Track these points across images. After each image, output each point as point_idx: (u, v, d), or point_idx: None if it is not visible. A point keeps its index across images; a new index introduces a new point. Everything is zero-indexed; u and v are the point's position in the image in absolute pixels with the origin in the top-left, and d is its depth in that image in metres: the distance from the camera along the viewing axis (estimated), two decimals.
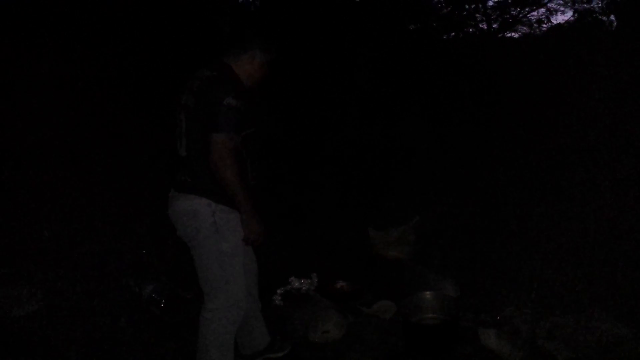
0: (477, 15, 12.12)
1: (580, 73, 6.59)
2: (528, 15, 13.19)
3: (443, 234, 4.73)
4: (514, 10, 12.76)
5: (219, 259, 2.87)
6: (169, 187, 2.97)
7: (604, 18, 10.32)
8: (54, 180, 5.86)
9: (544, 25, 12.74)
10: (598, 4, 11.14)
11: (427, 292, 3.69)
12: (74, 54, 6.93)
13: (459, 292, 3.89)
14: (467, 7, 11.60)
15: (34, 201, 5.43)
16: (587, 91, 6.42)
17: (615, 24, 8.57)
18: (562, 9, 15.35)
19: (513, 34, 13.33)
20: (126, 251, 4.67)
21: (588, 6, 11.42)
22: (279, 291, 4.07)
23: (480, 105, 7.22)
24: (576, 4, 11.91)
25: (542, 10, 13.01)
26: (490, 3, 12.68)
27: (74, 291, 4.14)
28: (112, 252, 4.63)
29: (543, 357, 3.22)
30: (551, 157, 5.67)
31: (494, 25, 12.65)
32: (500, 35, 12.84)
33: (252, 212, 2.82)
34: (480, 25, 12.38)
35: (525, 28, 13.35)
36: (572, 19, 11.71)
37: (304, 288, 4.11)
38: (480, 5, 12.05)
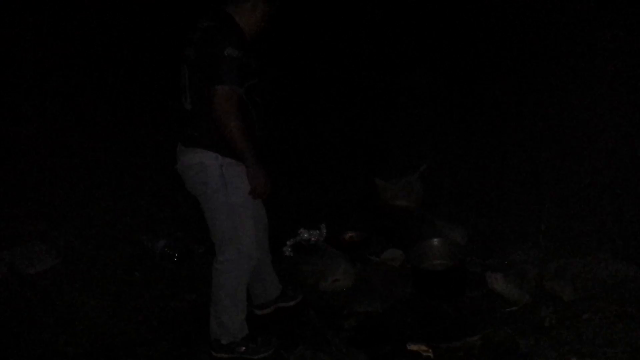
0: None
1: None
2: None
3: (450, 182, 4.74)
4: None
5: (229, 212, 2.89)
6: (177, 141, 2.98)
7: None
8: (67, 138, 5.93)
9: None
10: None
11: (435, 239, 3.73)
12: None
13: (466, 238, 3.92)
14: None
15: (48, 160, 5.51)
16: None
17: None
18: None
19: None
20: (138, 208, 4.74)
21: None
22: (288, 242, 4.12)
23: (490, 52, 7.12)
24: None
25: None
26: None
27: (88, 248, 4.22)
28: (124, 209, 4.71)
29: (549, 298, 3.27)
30: (560, 104, 5.65)
31: None
32: None
33: (257, 164, 2.81)
34: None
35: None
36: None
37: (313, 239, 4.16)
38: None
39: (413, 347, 3.01)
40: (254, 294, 3.40)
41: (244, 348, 3.07)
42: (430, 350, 2.98)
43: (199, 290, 3.58)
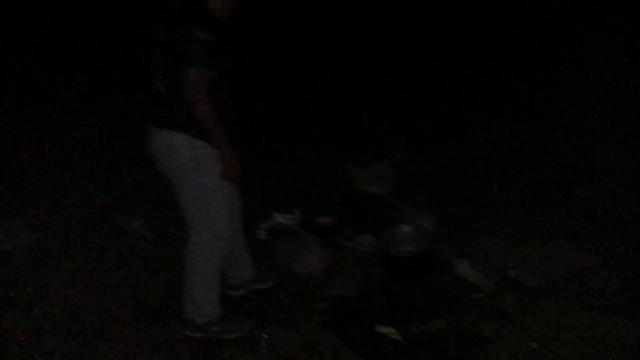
0: None
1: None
2: None
3: (422, 170, 4.82)
4: None
5: (201, 194, 2.92)
6: (149, 122, 2.98)
7: None
8: (41, 117, 5.89)
9: None
10: None
11: (405, 226, 3.83)
12: None
13: (436, 226, 4.00)
14: None
15: (22, 138, 5.47)
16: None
17: None
18: None
19: None
20: (113, 188, 4.73)
21: None
22: (263, 226, 4.17)
23: (461, 41, 7.23)
24: None
25: None
26: None
27: (63, 226, 4.22)
28: (99, 189, 4.70)
29: (513, 285, 3.40)
30: (527, 94, 5.77)
31: None
32: None
33: (228, 147, 2.84)
34: None
35: None
36: None
37: (287, 223, 4.22)
38: None
39: (382, 329, 3.12)
40: (228, 276, 3.45)
41: (217, 328, 3.12)
42: (398, 334, 3.08)
43: (173, 271, 3.60)
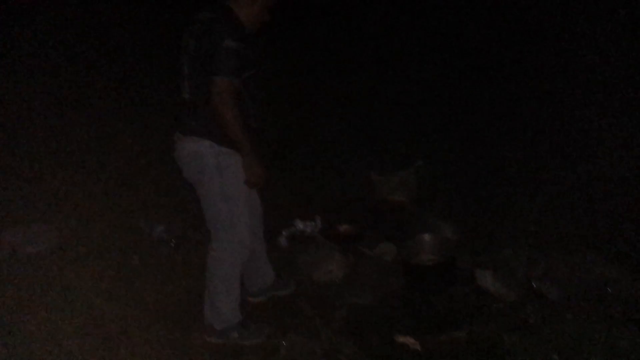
0: None
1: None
2: None
3: (444, 179, 4.78)
4: None
5: (224, 200, 2.96)
6: (175, 129, 3.04)
7: None
8: (66, 122, 5.98)
9: None
10: None
11: (427, 235, 3.81)
12: None
13: (458, 235, 3.98)
14: None
15: (49, 144, 5.56)
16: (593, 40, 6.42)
17: None
18: None
19: None
20: (136, 193, 4.79)
21: None
22: (284, 233, 4.18)
23: (487, 54, 7.17)
24: None
25: None
26: None
27: (87, 231, 4.28)
28: (122, 194, 4.76)
29: (536, 296, 3.35)
30: (555, 106, 5.70)
31: None
32: None
33: (253, 154, 2.88)
34: None
35: None
36: None
37: (308, 230, 4.23)
38: None
39: (401, 339, 3.09)
40: (248, 282, 3.47)
41: (236, 334, 3.14)
42: (417, 343, 3.05)
43: (194, 276, 3.64)
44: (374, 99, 6.56)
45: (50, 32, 7.66)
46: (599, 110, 5.33)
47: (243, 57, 2.78)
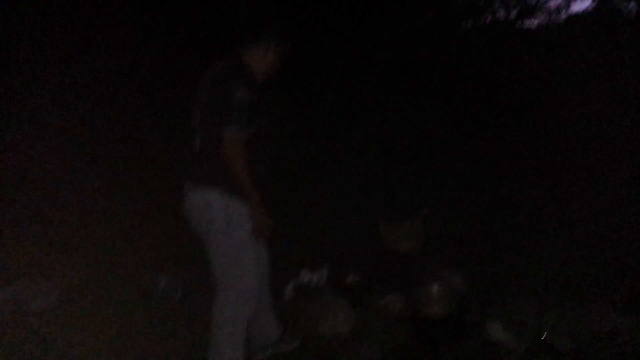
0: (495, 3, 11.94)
1: (600, 62, 6.58)
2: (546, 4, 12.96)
3: (452, 228, 4.76)
4: None
5: (231, 251, 2.94)
6: (185, 179, 3.05)
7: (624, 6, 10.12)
8: (71, 171, 6.00)
9: (563, 14, 12.52)
10: None
11: (435, 285, 3.75)
12: None
13: (466, 285, 3.92)
14: None
15: (55, 194, 5.58)
16: (607, 82, 6.41)
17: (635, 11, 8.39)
18: None
19: (531, 21, 13.11)
20: (141, 244, 4.79)
21: None
22: (290, 284, 4.14)
23: (494, 98, 7.18)
24: None
25: None
26: None
27: (90, 285, 4.26)
28: (127, 246, 4.75)
29: (547, 348, 3.27)
30: (562, 154, 5.68)
31: (513, 12, 12.46)
32: (518, 23, 12.65)
33: (261, 205, 2.88)
34: (498, 14, 12.22)
35: (544, 16, 13.13)
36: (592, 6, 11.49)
37: (314, 281, 4.18)
38: None
39: None
40: (252, 336, 3.40)
41: None
42: None
43: (198, 332, 3.58)
44: (381, 146, 6.56)
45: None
46: (606, 156, 5.29)
47: (254, 108, 2.81)
